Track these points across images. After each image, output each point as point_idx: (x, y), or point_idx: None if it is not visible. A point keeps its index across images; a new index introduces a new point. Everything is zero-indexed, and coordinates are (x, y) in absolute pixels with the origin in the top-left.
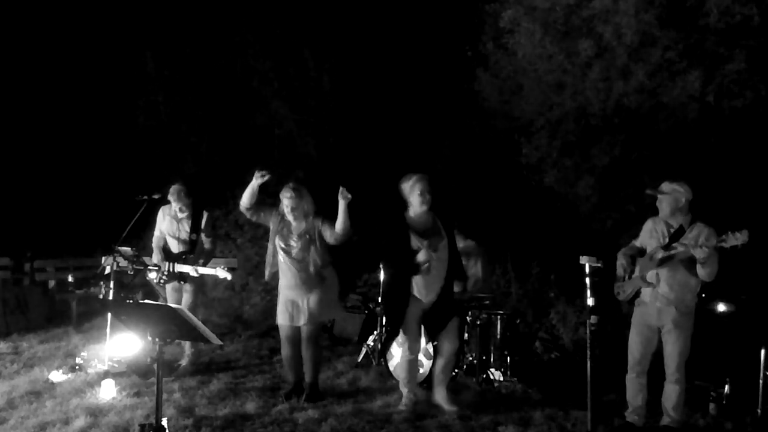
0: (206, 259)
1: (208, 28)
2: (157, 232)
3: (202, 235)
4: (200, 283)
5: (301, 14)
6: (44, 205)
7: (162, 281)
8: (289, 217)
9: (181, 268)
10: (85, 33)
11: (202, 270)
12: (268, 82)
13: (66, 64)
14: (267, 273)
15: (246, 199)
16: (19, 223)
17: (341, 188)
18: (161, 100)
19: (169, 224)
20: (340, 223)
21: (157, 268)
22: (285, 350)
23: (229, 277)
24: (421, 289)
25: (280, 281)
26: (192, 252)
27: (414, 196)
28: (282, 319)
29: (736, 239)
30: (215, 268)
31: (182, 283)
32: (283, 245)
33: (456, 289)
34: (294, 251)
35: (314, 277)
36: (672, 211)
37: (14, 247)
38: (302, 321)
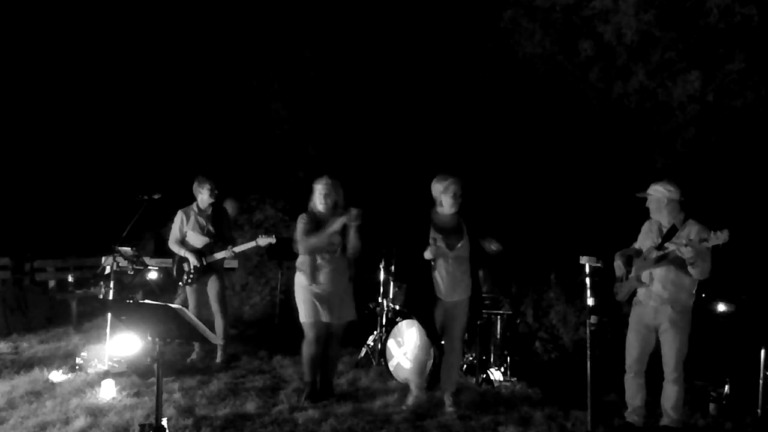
0: (233, 243)
1: (208, 28)
2: (177, 234)
3: (226, 230)
4: (223, 271)
5: (301, 14)
6: (44, 205)
7: (189, 281)
8: (321, 207)
9: (216, 256)
10: (85, 33)
11: (238, 248)
12: (268, 82)
13: (66, 64)
14: (310, 278)
15: (318, 246)
16: (19, 223)
17: (350, 210)
18: (161, 101)
19: (195, 221)
20: (350, 244)
21: (179, 269)
22: (312, 349)
23: (273, 241)
24: (442, 288)
25: (310, 279)
26: (217, 240)
27: (446, 197)
28: (314, 316)
29: (717, 238)
30: (252, 241)
31: (211, 271)
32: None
33: None
34: (338, 249)
35: (347, 275)
36: (657, 210)
37: (14, 247)
38: (334, 318)
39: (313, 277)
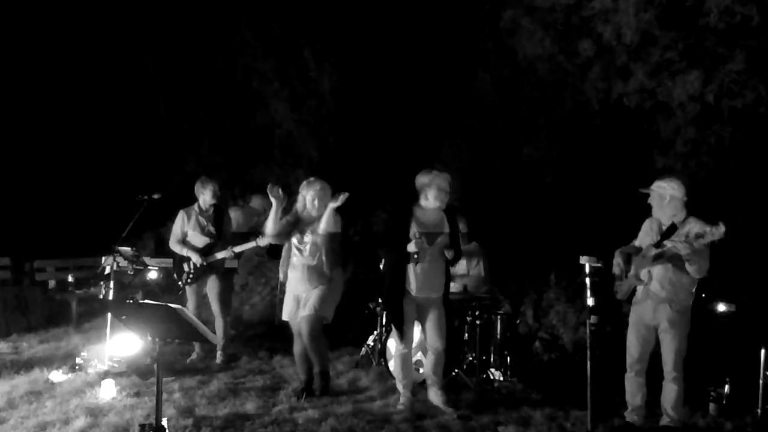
0: (233, 243)
1: (208, 28)
2: (178, 235)
3: (228, 230)
4: (224, 271)
5: (301, 14)
6: (44, 205)
7: (189, 280)
8: (312, 212)
9: (216, 256)
10: (85, 33)
11: (238, 248)
12: (268, 82)
13: (66, 65)
14: (281, 274)
15: (272, 227)
16: (19, 223)
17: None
18: (161, 100)
19: (196, 222)
20: (322, 224)
21: (179, 269)
22: (295, 346)
23: (271, 242)
24: (413, 283)
25: (288, 277)
26: (218, 240)
27: (430, 190)
28: (286, 314)
29: (713, 234)
30: (249, 241)
31: (210, 271)
32: (296, 242)
33: (457, 287)
34: (307, 248)
35: (322, 275)
36: (659, 207)
37: (14, 247)
38: (301, 313)
39: (283, 274)
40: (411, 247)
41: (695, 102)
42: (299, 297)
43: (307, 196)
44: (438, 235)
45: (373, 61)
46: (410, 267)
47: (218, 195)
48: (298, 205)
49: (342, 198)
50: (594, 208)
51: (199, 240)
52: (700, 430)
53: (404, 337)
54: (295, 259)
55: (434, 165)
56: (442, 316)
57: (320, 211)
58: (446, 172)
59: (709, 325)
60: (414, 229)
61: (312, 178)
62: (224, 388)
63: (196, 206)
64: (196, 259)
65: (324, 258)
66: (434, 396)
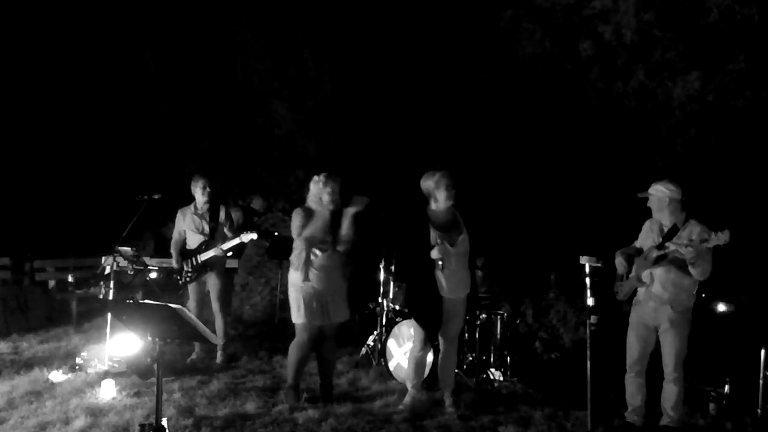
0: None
1: (208, 28)
2: (176, 235)
3: (225, 228)
4: (224, 270)
5: (301, 14)
6: (44, 205)
7: (188, 279)
8: (328, 207)
9: (205, 255)
10: (85, 33)
11: (226, 245)
12: (268, 82)
13: (66, 64)
14: (302, 274)
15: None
16: (19, 223)
17: (356, 197)
18: (161, 100)
19: (191, 220)
20: (344, 230)
21: (178, 269)
22: (304, 351)
23: (255, 236)
24: (445, 285)
25: (305, 278)
26: (213, 238)
27: (440, 191)
28: (307, 317)
29: (718, 239)
30: (236, 237)
31: (209, 270)
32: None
33: None
34: (329, 246)
35: (340, 272)
36: (659, 210)
37: (14, 247)
38: (326, 320)
39: (305, 275)
40: (435, 254)
41: (695, 102)
42: (320, 300)
43: (324, 192)
44: (458, 234)
45: (373, 61)
46: (439, 270)
47: (210, 192)
48: (311, 202)
49: (362, 202)
50: (594, 208)
51: (195, 239)
52: (700, 430)
53: (425, 340)
54: (316, 260)
55: (434, 164)
56: (462, 319)
57: (335, 208)
58: (446, 170)
59: (709, 325)
60: (434, 235)
61: (327, 173)
62: (224, 388)
63: (192, 205)
64: (177, 263)
65: (344, 258)
66: (445, 398)
